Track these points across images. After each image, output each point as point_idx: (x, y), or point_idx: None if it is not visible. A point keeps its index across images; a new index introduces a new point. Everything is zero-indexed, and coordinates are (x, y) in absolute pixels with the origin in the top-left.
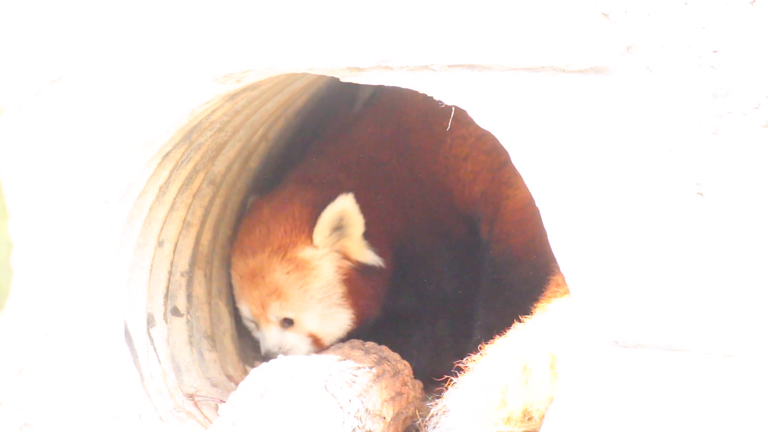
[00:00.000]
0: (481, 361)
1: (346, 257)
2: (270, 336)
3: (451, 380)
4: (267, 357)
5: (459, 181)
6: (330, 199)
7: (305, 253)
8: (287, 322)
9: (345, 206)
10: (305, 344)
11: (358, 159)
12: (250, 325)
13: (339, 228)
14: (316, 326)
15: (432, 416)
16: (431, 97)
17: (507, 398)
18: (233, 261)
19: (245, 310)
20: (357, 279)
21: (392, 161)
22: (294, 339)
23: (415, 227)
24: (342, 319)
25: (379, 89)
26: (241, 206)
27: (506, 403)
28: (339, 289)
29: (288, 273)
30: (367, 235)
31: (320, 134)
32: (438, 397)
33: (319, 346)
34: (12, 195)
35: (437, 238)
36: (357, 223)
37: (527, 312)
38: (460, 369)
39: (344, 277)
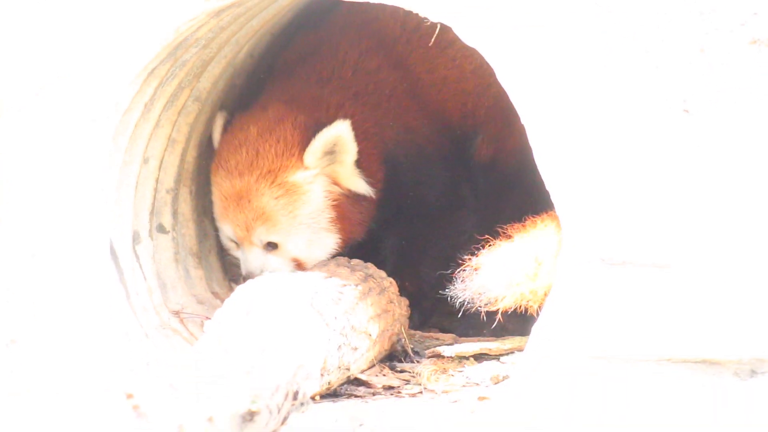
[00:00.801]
0: (520, 235)
1: (335, 183)
2: (252, 258)
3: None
4: (247, 278)
5: (463, 95)
6: (322, 122)
7: (296, 176)
8: (271, 246)
9: (341, 132)
10: (288, 267)
11: (341, 70)
12: (230, 245)
13: (331, 153)
14: (302, 251)
15: (462, 271)
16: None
17: (539, 272)
18: (216, 180)
19: (227, 230)
20: (346, 204)
21: (382, 69)
22: (276, 262)
23: (407, 140)
24: (328, 244)
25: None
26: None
27: (537, 276)
28: (327, 214)
29: (277, 198)
30: (359, 162)
31: (296, 50)
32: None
33: (301, 269)
34: None
35: (430, 152)
36: (350, 150)
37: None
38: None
39: (333, 202)
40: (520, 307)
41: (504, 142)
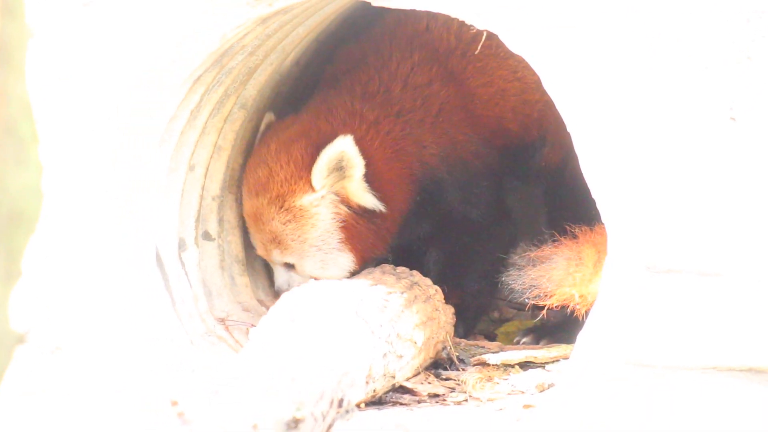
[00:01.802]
0: (585, 237)
1: (345, 200)
2: (278, 275)
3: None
4: (279, 293)
5: (526, 106)
6: (326, 140)
7: (303, 200)
8: (288, 266)
9: (344, 148)
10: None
11: (390, 84)
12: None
13: (339, 169)
14: (317, 271)
15: (521, 260)
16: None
17: (593, 279)
18: (243, 193)
19: (257, 248)
20: (356, 223)
21: (434, 83)
22: (299, 279)
23: (453, 155)
24: (342, 263)
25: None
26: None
27: (591, 283)
28: (337, 236)
29: (285, 223)
30: (370, 177)
31: (342, 60)
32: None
33: None
34: (43, 119)
35: (476, 166)
36: (357, 164)
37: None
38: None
39: (342, 223)
40: (569, 307)
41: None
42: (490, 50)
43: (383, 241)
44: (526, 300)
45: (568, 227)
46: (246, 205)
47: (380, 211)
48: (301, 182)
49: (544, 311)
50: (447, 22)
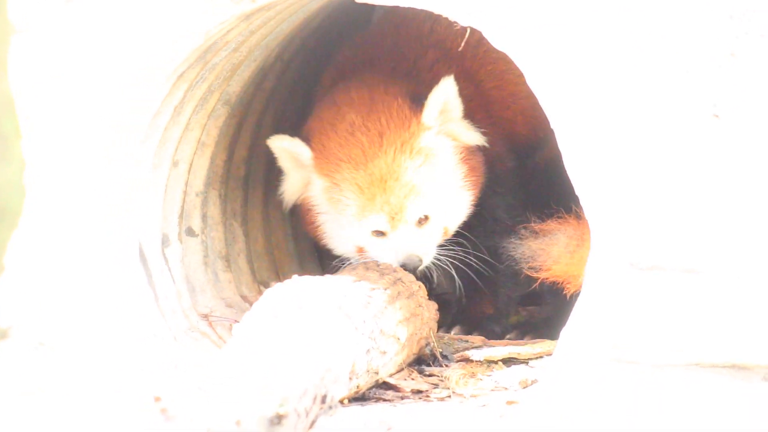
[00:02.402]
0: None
1: (454, 139)
2: (408, 239)
3: None
4: (406, 265)
5: (534, 109)
6: (416, 88)
7: (426, 140)
8: (421, 220)
9: (448, 88)
10: (437, 238)
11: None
12: (367, 241)
13: (442, 112)
14: (449, 216)
15: (524, 230)
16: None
17: (583, 257)
18: (342, 177)
19: (374, 221)
20: (471, 155)
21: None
22: (427, 236)
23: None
24: (465, 203)
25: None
26: (256, 126)
27: (581, 261)
28: (461, 170)
29: (419, 167)
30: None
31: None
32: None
33: (446, 236)
34: (25, 115)
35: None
36: (458, 105)
37: None
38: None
39: (461, 156)
40: (560, 284)
41: None
42: (498, 53)
43: (483, 180)
44: (523, 269)
45: (574, 207)
46: (359, 179)
47: (483, 145)
48: (416, 125)
49: (537, 284)
50: (449, 25)
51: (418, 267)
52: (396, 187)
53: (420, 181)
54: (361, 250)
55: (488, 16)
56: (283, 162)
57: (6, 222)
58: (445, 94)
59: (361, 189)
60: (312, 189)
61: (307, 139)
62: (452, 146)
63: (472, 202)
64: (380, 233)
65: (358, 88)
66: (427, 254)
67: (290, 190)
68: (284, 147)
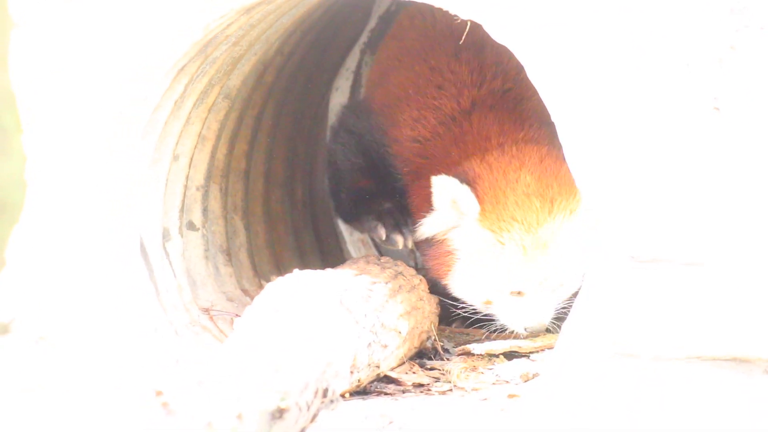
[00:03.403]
0: None
1: None
2: (544, 304)
3: None
4: (533, 329)
5: None
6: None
7: (581, 210)
8: (559, 286)
9: None
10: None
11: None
12: (504, 298)
13: None
14: (576, 285)
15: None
16: None
17: None
18: (510, 237)
19: (524, 284)
20: None
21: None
22: (555, 301)
23: None
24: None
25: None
26: (256, 120)
27: None
28: None
29: (577, 236)
30: None
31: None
32: None
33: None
34: (26, 109)
35: None
36: None
37: None
38: None
39: None
40: None
41: None
42: None
43: None
44: None
45: None
46: (532, 239)
47: None
48: (579, 194)
49: None
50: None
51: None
52: (556, 255)
53: (575, 250)
54: (488, 303)
55: (489, 9)
56: (440, 200)
57: (7, 216)
58: None
59: (525, 251)
60: (461, 234)
61: (472, 184)
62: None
63: None
64: (519, 293)
65: (527, 145)
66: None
67: (434, 226)
68: (450, 191)
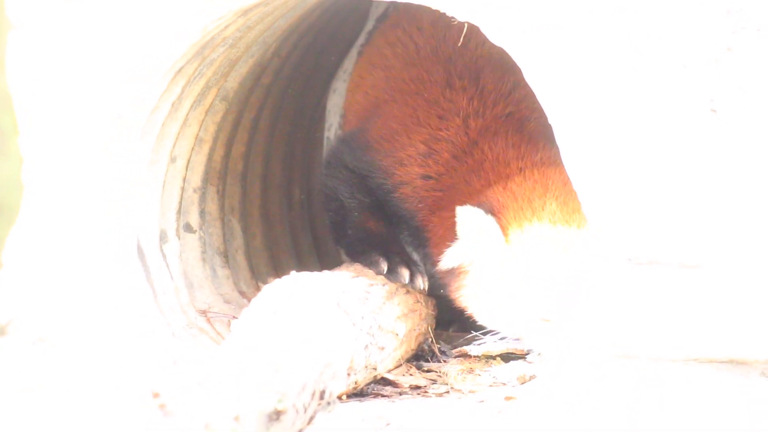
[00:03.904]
0: None
1: None
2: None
3: None
4: None
5: None
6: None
7: None
8: None
9: None
10: None
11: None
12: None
13: None
14: None
15: None
16: None
17: None
18: (536, 264)
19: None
20: None
21: None
22: None
23: None
24: None
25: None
26: (253, 122)
27: None
28: None
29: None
30: None
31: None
32: None
33: None
34: (23, 111)
35: None
36: None
37: None
38: None
39: None
40: None
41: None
42: None
43: None
44: None
45: None
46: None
47: None
48: None
49: None
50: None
51: None
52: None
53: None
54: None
55: (486, 11)
56: (465, 230)
57: (4, 218)
58: None
59: (551, 277)
60: (487, 264)
61: (497, 215)
62: None
63: None
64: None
65: (548, 169)
66: None
67: (458, 256)
68: (475, 222)
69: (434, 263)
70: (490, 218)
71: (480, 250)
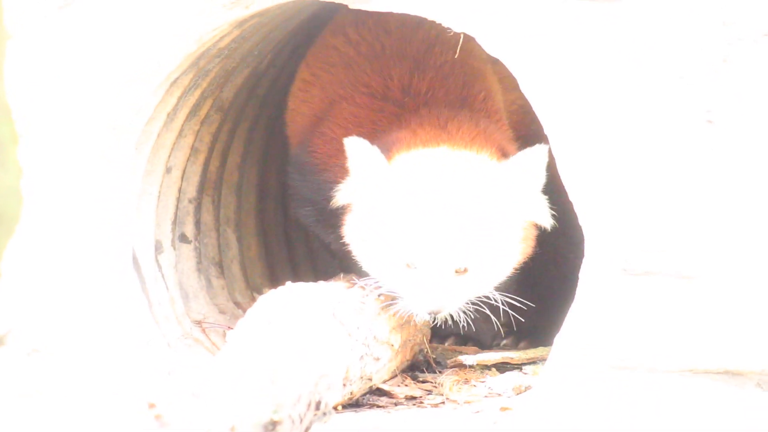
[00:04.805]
0: None
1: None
2: (444, 285)
3: None
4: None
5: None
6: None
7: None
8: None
9: (540, 156)
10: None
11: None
12: (402, 273)
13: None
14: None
15: None
16: None
17: None
18: (407, 196)
19: (417, 252)
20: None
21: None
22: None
23: None
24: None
25: None
26: (249, 133)
27: None
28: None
29: (488, 206)
30: None
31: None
32: None
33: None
34: (21, 121)
35: None
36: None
37: None
38: None
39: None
40: None
41: None
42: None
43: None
44: None
45: None
46: None
47: None
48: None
49: None
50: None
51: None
52: (460, 225)
53: (493, 228)
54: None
55: (482, 21)
56: (353, 164)
57: (2, 228)
58: (537, 162)
59: (421, 213)
60: (366, 193)
61: (390, 146)
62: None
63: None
64: (409, 265)
65: (458, 117)
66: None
67: (348, 192)
68: (361, 152)
69: None
70: (374, 148)
71: (365, 185)
